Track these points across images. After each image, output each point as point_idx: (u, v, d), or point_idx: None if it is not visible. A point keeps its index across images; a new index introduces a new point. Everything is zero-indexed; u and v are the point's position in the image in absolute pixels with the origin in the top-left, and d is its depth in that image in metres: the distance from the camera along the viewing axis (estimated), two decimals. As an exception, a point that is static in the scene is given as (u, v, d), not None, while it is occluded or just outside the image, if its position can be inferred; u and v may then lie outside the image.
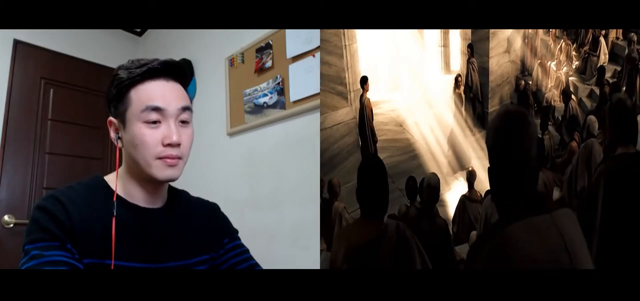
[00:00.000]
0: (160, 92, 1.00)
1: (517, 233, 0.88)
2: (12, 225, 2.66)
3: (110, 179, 1.07)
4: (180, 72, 1.07)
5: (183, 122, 1.03)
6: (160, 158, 0.99)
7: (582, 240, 0.93)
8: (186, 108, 1.04)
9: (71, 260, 0.90)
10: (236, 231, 1.27)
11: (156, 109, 0.98)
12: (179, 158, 1.01)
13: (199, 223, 1.17)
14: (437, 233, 2.33)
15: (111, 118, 1.05)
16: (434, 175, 2.66)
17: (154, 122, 0.98)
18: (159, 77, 1.02)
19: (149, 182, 1.04)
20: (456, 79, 4.67)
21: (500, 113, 1.00)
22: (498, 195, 1.00)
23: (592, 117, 3.09)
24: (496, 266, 0.87)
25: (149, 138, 0.98)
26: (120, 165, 1.07)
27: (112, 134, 1.05)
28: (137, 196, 1.06)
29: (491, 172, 0.99)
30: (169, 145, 0.99)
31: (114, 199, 1.01)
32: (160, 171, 1.00)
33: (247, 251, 1.24)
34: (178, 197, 1.17)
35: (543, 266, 0.85)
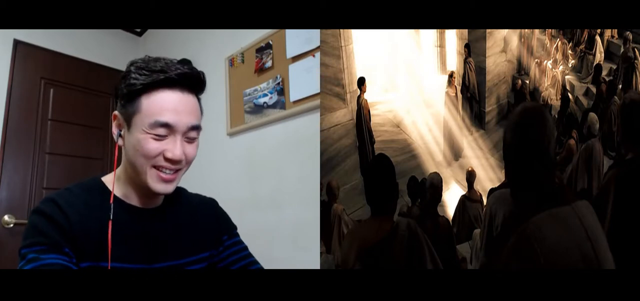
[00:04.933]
0: (172, 106, 0.96)
1: (541, 224, 0.90)
2: (12, 225, 2.65)
3: (108, 180, 1.06)
4: (197, 83, 1.02)
5: (190, 138, 1.01)
6: (156, 167, 0.97)
7: (601, 230, 0.95)
8: (195, 128, 1.00)
9: (68, 264, 0.90)
10: (235, 228, 1.26)
11: (165, 125, 0.95)
12: (178, 170, 1.00)
13: (197, 221, 1.16)
14: (440, 232, 2.35)
15: (116, 113, 1.02)
16: (437, 174, 2.68)
17: (160, 136, 0.96)
18: (175, 87, 0.98)
19: (144, 186, 1.01)
20: (450, 76, 4.68)
21: (518, 111, 1.02)
22: (518, 188, 1.02)
23: (593, 115, 3.08)
24: (522, 256, 0.89)
25: (151, 149, 0.95)
26: (119, 163, 1.05)
27: (114, 129, 1.02)
28: (134, 196, 1.05)
29: (510, 167, 1.02)
30: (170, 160, 0.96)
31: (111, 201, 0.99)
32: (154, 182, 0.97)
33: (245, 248, 1.23)
34: (176, 195, 1.15)
35: (568, 255, 0.87)
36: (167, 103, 0.96)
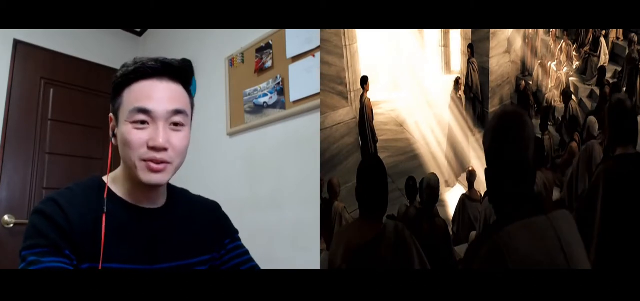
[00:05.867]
0: (150, 93, 0.97)
1: (514, 234, 0.88)
2: (12, 225, 2.66)
3: (108, 179, 1.06)
4: (177, 72, 1.03)
5: (175, 124, 1.00)
6: (144, 160, 0.96)
7: (578, 242, 0.93)
8: (179, 112, 1.00)
9: (68, 267, 0.90)
10: (236, 232, 1.26)
11: (143, 111, 0.96)
12: (167, 162, 0.98)
13: (199, 223, 1.16)
14: (436, 233, 2.34)
15: (111, 114, 1.04)
16: (434, 175, 2.66)
17: (142, 123, 0.96)
18: (152, 77, 0.99)
19: (141, 183, 1.01)
20: (456, 81, 4.67)
21: (497, 114, 1.00)
22: (495, 195, 0.99)
23: (592, 118, 3.09)
24: (493, 266, 0.87)
25: (134, 139, 0.95)
26: (119, 163, 1.06)
27: (111, 131, 1.05)
28: (136, 196, 1.05)
29: (488, 173, 0.99)
30: (154, 148, 0.96)
31: (105, 195, 1.00)
32: (144, 174, 0.97)
33: (247, 252, 1.24)
34: (178, 196, 1.16)
35: (539, 267, 0.85)
36: (144, 91, 0.98)
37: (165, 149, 0.97)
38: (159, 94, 0.98)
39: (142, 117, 0.96)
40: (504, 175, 0.96)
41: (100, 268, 0.94)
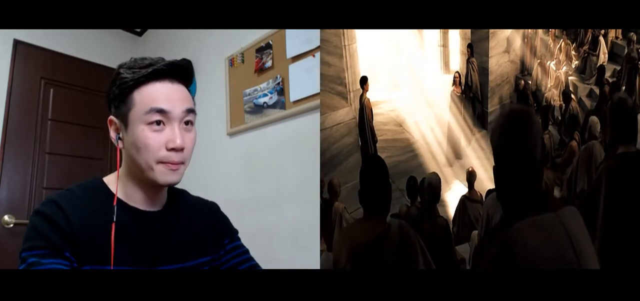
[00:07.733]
0: (165, 94, 0.98)
1: (523, 231, 0.88)
2: (12, 225, 2.66)
3: (110, 181, 1.06)
4: (185, 73, 1.04)
5: (187, 124, 1.01)
6: (162, 162, 0.97)
7: (587, 238, 0.94)
8: (190, 111, 1.02)
9: (69, 269, 0.89)
10: (236, 232, 1.26)
11: (160, 111, 0.96)
12: (181, 162, 1.00)
13: (199, 225, 1.16)
14: (438, 232, 2.33)
15: (112, 117, 1.03)
16: (435, 174, 2.66)
17: (158, 124, 0.96)
18: (164, 79, 1.00)
19: (149, 185, 1.02)
20: (454, 77, 4.67)
21: (505, 113, 1.01)
22: (503, 193, 1.00)
23: (594, 118, 3.08)
24: (503, 263, 0.87)
25: (152, 141, 0.96)
26: (120, 165, 1.05)
27: (113, 134, 1.03)
28: (137, 198, 1.04)
29: (496, 171, 1.00)
30: (173, 149, 0.97)
31: (115, 203, 1.00)
32: (162, 176, 0.98)
33: (247, 251, 1.24)
34: (178, 198, 1.16)
35: (549, 264, 0.86)
36: (158, 93, 0.98)
37: (183, 149, 0.99)
38: (173, 95, 0.99)
39: (158, 117, 0.96)
40: (511, 173, 0.96)
41: (111, 268, 0.94)
